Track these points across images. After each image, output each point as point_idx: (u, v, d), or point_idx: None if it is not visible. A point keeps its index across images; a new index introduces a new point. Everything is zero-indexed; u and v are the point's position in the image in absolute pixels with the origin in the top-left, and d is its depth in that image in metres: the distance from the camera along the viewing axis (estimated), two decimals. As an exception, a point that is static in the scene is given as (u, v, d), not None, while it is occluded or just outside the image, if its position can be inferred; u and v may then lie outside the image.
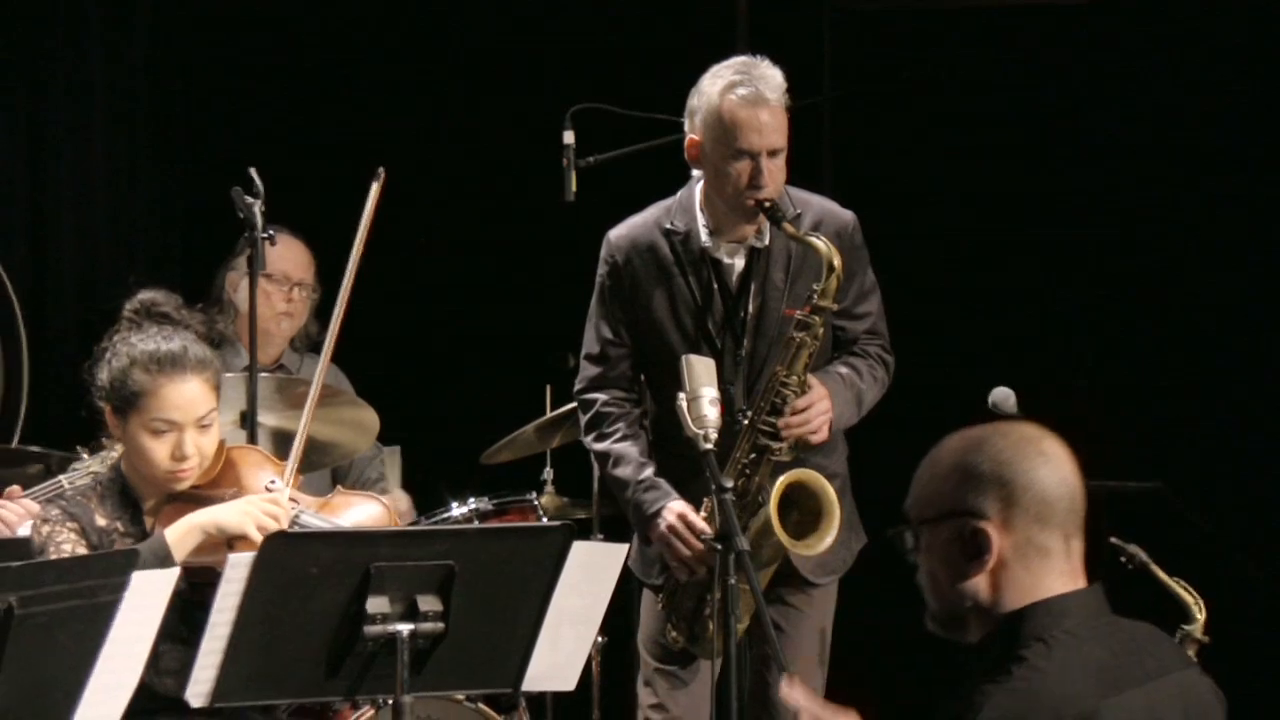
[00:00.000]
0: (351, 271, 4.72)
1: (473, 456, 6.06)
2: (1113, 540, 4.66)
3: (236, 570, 3.94)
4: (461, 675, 4.19)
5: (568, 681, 4.31)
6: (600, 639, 5.57)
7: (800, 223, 4.96)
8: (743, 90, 4.86)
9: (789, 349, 4.88)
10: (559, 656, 4.22)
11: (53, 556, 4.23)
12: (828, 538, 4.86)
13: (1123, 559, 4.62)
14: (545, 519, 5.66)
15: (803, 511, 4.89)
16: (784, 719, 4.95)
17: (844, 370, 5.06)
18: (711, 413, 4.49)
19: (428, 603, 4.02)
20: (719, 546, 4.44)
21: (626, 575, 4.64)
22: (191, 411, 4.34)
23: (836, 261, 4.84)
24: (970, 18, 7.10)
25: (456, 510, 5.63)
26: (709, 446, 4.47)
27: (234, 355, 5.74)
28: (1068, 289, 6.99)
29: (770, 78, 4.90)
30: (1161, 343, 6.88)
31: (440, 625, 4.03)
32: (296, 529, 4.37)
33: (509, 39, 7.22)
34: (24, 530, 4.44)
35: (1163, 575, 4.60)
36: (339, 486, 4.93)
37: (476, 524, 5.54)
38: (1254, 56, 6.81)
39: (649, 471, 4.97)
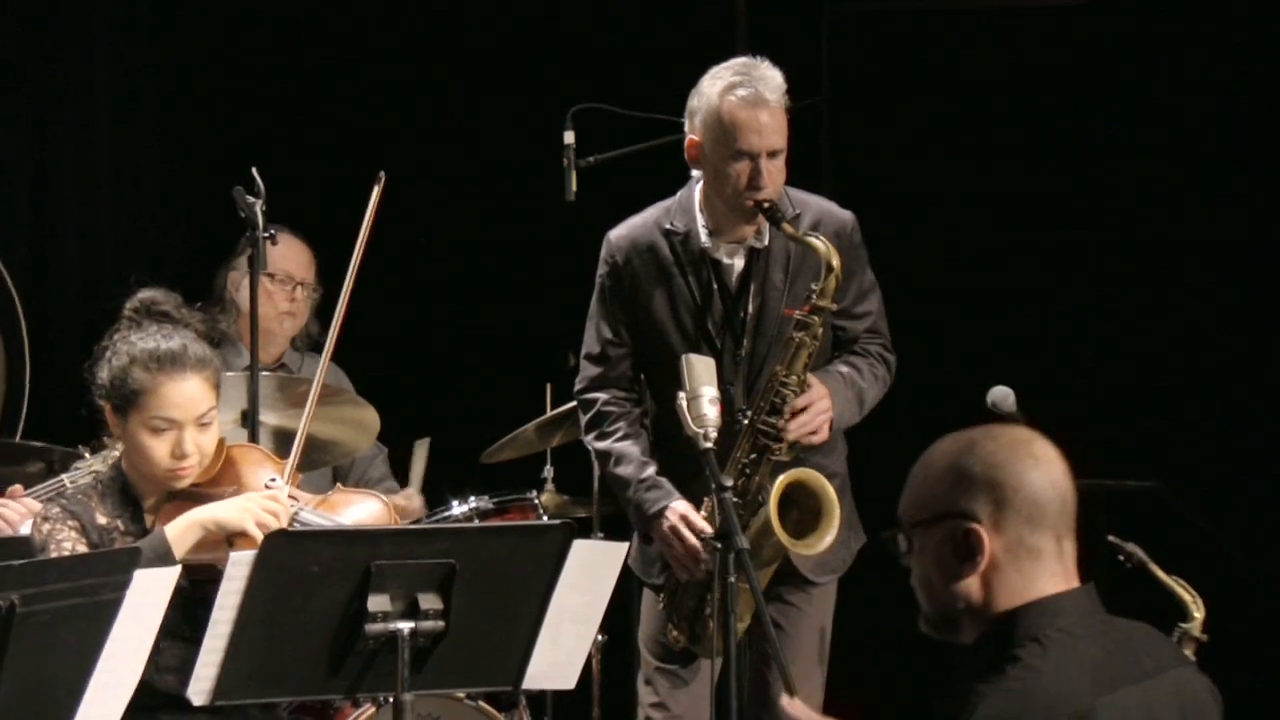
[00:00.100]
0: (353, 274, 4.72)
1: (473, 455, 6.07)
2: (1111, 539, 4.68)
3: (238, 568, 3.94)
4: (462, 673, 4.20)
5: (568, 680, 4.31)
6: (600, 637, 5.58)
7: (799, 223, 4.98)
8: (742, 91, 4.87)
9: (788, 349, 4.90)
10: (559, 655, 4.23)
11: (53, 555, 4.24)
12: (827, 537, 4.87)
13: (1121, 557, 4.63)
14: (546, 517, 5.67)
15: (803, 511, 4.90)
16: (783, 718, 4.97)
17: (844, 370, 5.07)
18: (711, 412, 4.50)
19: (428, 601, 4.02)
20: (719, 545, 4.46)
21: (626, 574, 4.66)
22: (191, 410, 4.34)
23: (835, 261, 4.85)
24: (969, 18, 7.11)
25: (457, 509, 5.64)
26: (709, 445, 4.48)
27: (235, 355, 5.75)
28: (1067, 289, 6.99)
29: (770, 79, 4.91)
30: (1160, 342, 6.88)
31: (441, 623, 4.04)
32: (296, 526, 4.38)
33: (509, 39, 7.22)
34: (25, 529, 4.45)
35: (1161, 573, 4.61)
36: (339, 484, 4.94)
37: (477, 522, 5.56)
38: (1254, 56, 6.82)
39: (650, 471, 4.98)
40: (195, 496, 4.40)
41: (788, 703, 3.24)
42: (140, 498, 4.43)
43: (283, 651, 4.03)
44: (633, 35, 7.07)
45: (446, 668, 4.12)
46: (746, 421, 4.90)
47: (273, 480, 4.48)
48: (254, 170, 4.94)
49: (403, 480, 6.11)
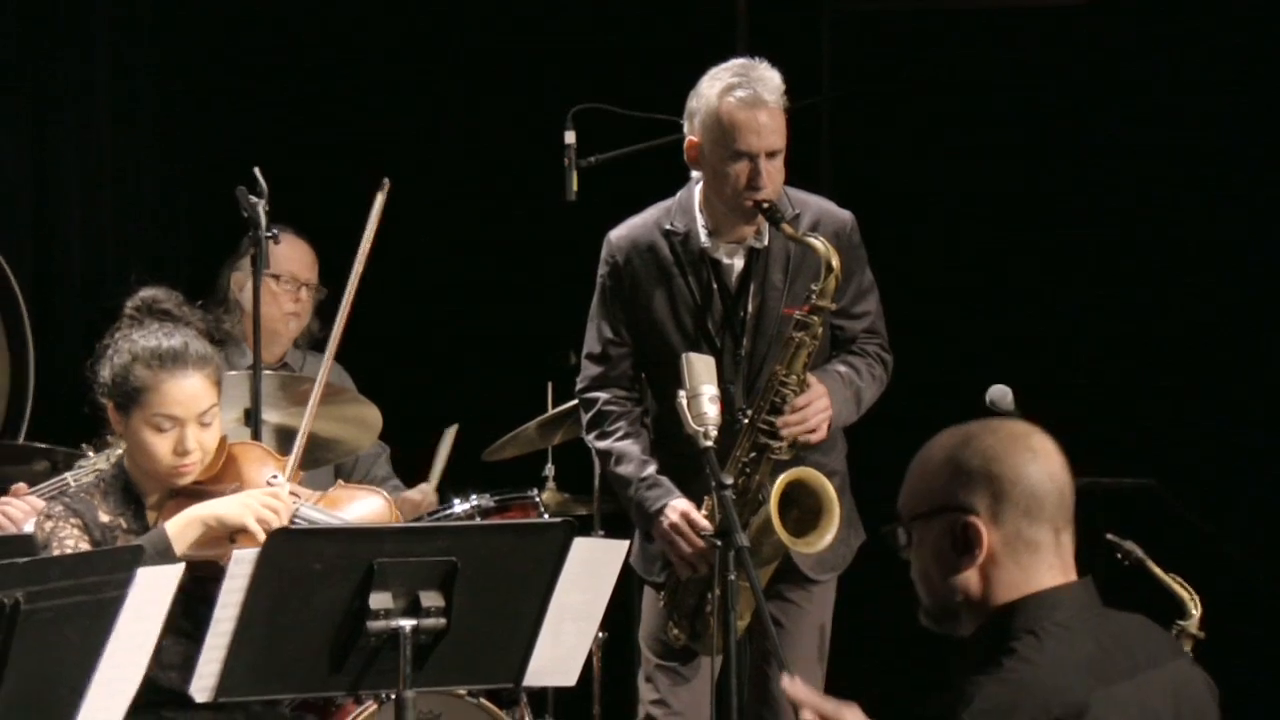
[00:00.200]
0: (355, 279, 4.72)
1: (475, 453, 6.09)
2: (1109, 536, 4.69)
3: (240, 566, 3.95)
4: (464, 670, 4.21)
5: (569, 676, 4.33)
6: (601, 634, 5.60)
7: (799, 223, 4.99)
8: (741, 92, 4.88)
9: (788, 348, 4.91)
10: (560, 652, 4.24)
11: (56, 553, 4.25)
12: (827, 535, 4.89)
13: (1119, 555, 4.64)
14: (547, 515, 5.67)
15: (802, 509, 4.91)
16: (783, 714, 4.99)
17: (843, 369, 5.09)
18: (711, 410, 4.51)
19: (430, 598, 4.04)
20: (719, 543, 4.47)
21: (627, 571, 4.67)
22: (193, 407, 4.35)
23: (834, 261, 4.87)
24: (969, 18, 7.12)
25: (459, 507, 5.66)
26: (709, 444, 4.49)
27: (240, 355, 5.76)
28: (1066, 289, 7.00)
29: (768, 79, 4.92)
30: (1158, 342, 6.89)
31: (442, 621, 4.05)
32: (297, 521, 4.40)
33: (510, 39, 7.23)
34: (29, 527, 4.46)
35: (1158, 571, 4.62)
36: (340, 480, 4.95)
37: (479, 520, 5.58)
38: (1254, 56, 6.83)
39: (651, 469, 5.00)
40: (197, 494, 4.41)
41: (788, 682, 3.24)
42: (142, 495, 4.44)
43: (285, 649, 4.04)
44: (633, 35, 7.08)
45: (448, 665, 4.13)
46: (746, 421, 4.92)
47: (274, 477, 4.49)
48: (256, 170, 4.95)
49: (424, 467, 6.11)
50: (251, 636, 3.99)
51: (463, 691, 5.20)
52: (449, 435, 6.17)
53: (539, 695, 5.73)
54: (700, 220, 5.03)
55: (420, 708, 4.92)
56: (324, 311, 5.97)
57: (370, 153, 7.06)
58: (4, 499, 4.68)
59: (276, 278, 5.88)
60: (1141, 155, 6.89)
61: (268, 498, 4.31)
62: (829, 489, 4.88)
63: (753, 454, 4.90)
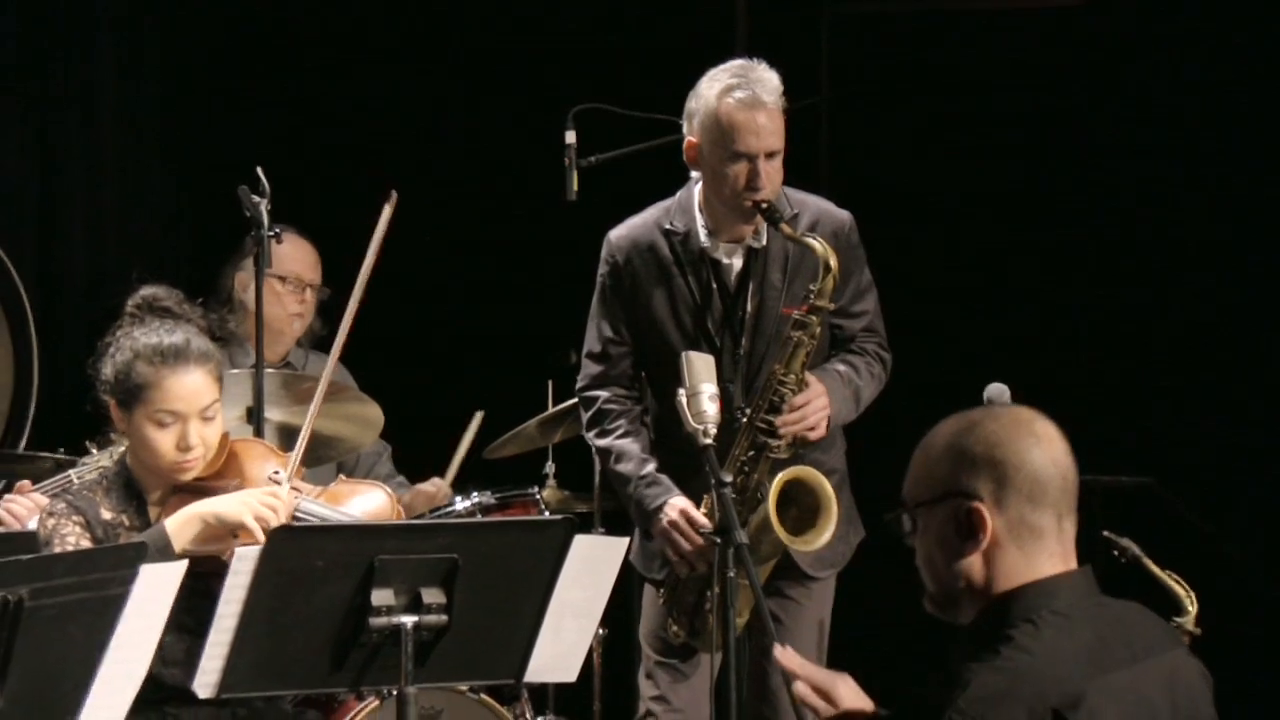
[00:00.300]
0: (360, 289, 4.74)
1: (476, 451, 6.11)
2: (1106, 534, 4.70)
3: (243, 563, 3.97)
4: (465, 667, 4.23)
5: (569, 673, 4.35)
6: (601, 631, 5.61)
7: (798, 223, 5.00)
8: (740, 93, 4.90)
9: (787, 347, 4.93)
10: (561, 648, 4.26)
11: (57, 550, 4.26)
12: (825, 534, 4.90)
13: (1115, 552, 4.65)
14: (547, 513, 5.68)
15: (801, 508, 4.92)
16: (782, 710, 5.01)
17: (842, 368, 5.10)
18: (711, 408, 4.53)
19: (431, 595, 4.06)
20: (718, 541, 4.49)
21: (627, 568, 4.68)
22: (195, 402, 4.37)
23: (833, 261, 4.88)
24: (968, 19, 7.13)
25: (460, 504, 5.67)
26: (708, 442, 4.51)
27: (244, 354, 5.76)
28: (1065, 288, 7.01)
29: (767, 80, 4.94)
30: (1157, 342, 6.90)
31: (444, 617, 4.07)
32: (299, 515, 4.42)
33: (510, 39, 7.24)
34: (33, 524, 4.48)
35: (1155, 569, 4.63)
36: (341, 476, 4.96)
37: (480, 517, 5.59)
38: (1254, 56, 6.84)
39: (651, 467, 5.01)
40: (200, 490, 4.42)
41: (780, 652, 3.26)
42: (145, 492, 4.45)
43: (287, 645, 4.06)
44: (632, 35, 7.09)
45: (449, 661, 4.15)
46: (745, 419, 4.94)
47: (276, 473, 4.51)
48: (259, 170, 4.97)
49: (425, 465, 6.12)
50: (254, 633, 4.00)
51: (464, 688, 5.21)
52: (474, 423, 6.17)
53: (540, 691, 5.74)
54: (700, 220, 5.05)
55: (422, 704, 4.96)
56: (326, 311, 5.99)
57: (371, 153, 7.09)
58: (8, 496, 4.71)
59: (282, 279, 5.89)
60: (1141, 155, 6.90)
61: (267, 496, 4.32)
62: (827, 487, 4.90)
63: (751, 453, 4.92)
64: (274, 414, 5.30)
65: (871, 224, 5.25)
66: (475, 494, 5.70)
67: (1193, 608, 4.61)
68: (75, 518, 4.37)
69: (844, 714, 3.14)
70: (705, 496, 4.88)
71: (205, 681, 4.03)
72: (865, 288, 5.18)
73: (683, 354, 4.64)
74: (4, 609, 3.48)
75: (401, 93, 7.21)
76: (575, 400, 5.33)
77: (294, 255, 5.91)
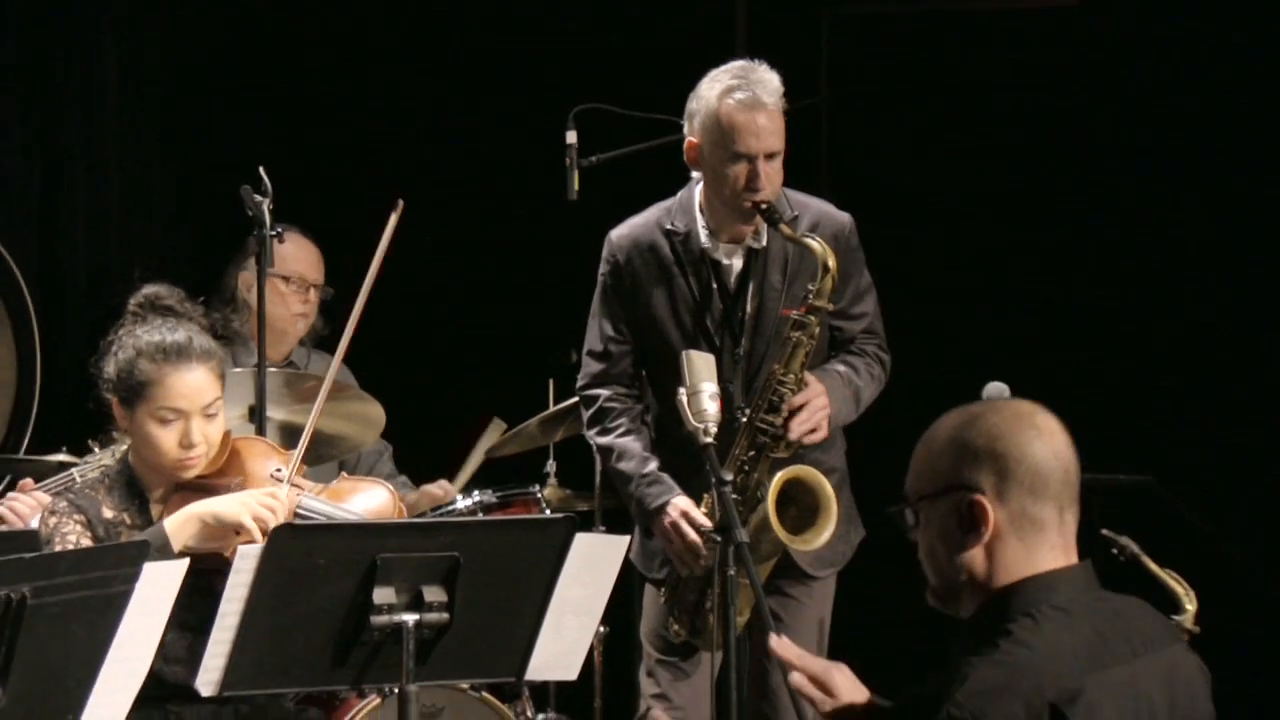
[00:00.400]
0: (365, 295, 4.75)
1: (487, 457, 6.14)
2: (1105, 532, 4.71)
3: (245, 561, 3.98)
4: (466, 665, 4.24)
5: (570, 671, 4.35)
6: (602, 629, 5.62)
7: (798, 225, 5.02)
8: (740, 94, 4.91)
9: (786, 348, 4.94)
10: (562, 646, 4.27)
11: (58, 548, 4.27)
12: (825, 533, 4.92)
13: (1114, 550, 4.66)
14: (548, 511, 5.69)
15: (800, 507, 4.93)
16: (782, 708, 5.02)
17: (842, 369, 5.12)
18: (711, 407, 4.54)
19: (433, 593, 4.07)
20: (719, 540, 4.50)
21: (628, 566, 4.69)
22: (198, 400, 4.39)
23: (831, 262, 4.90)
24: (967, 19, 7.13)
25: (461, 503, 5.68)
26: (709, 440, 4.52)
27: (248, 354, 5.77)
28: (1066, 288, 7.02)
29: (767, 81, 4.95)
30: (1157, 341, 6.91)
31: (445, 615, 4.08)
32: (301, 512, 4.43)
33: (511, 39, 7.25)
34: (35, 522, 4.49)
35: (1154, 566, 4.64)
36: (343, 473, 4.97)
37: (481, 516, 5.60)
38: (1254, 56, 6.84)
39: (652, 466, 5.02)
40: (202, 488, 4.44)
41: (776, 641, 3.27)
42: (146, 491, 4.47)
43: (289, 643, 4.07)
44: (633, 35, 7.10)
45: (451, 659, 4.16)
46: (745, 419, 4.95)
47: (278, 470, 4.53)
48: (261, 170, 4.99)
49: (426, 464, 6.14)
50: (256, 631, 4.01)
51: (465, 686, 5.22)
52: (495, 429, 6.18)
53: (541, 689, 5.76)
54: (700, 220, 5.06)
55: (423, 702, 4.97)
56: (327, 310, 6.00)
57: (372, 153, 7.10)
58: (11, 495, 4.72)
59: (286, 279, 5.90)
60: (1141, 155, 6.90)
61: (266, 497, 4.33)
62: (826, 487, 4.91)
63: (751, 452, 4.93)
64: (276, 413, 5.31)
65: (871, 224, 5.26)
66: (476, 492, 5.71)
67: (1191, 606, 4.61)
68: (77, 516, 4.38)
69: (842, 706, 3.15)
70: (706, 495, 4.89)
71: (207, 679, 4.04)
72: (865, 289, 5.20)
73: (683, 353, 4.65)
74: (7, 607, 3.49)
75: (402, 93, 7.21)
76: (576, 399, 5.34)
77: (297, 255, 5.92)
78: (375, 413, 5.50)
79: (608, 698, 5.91)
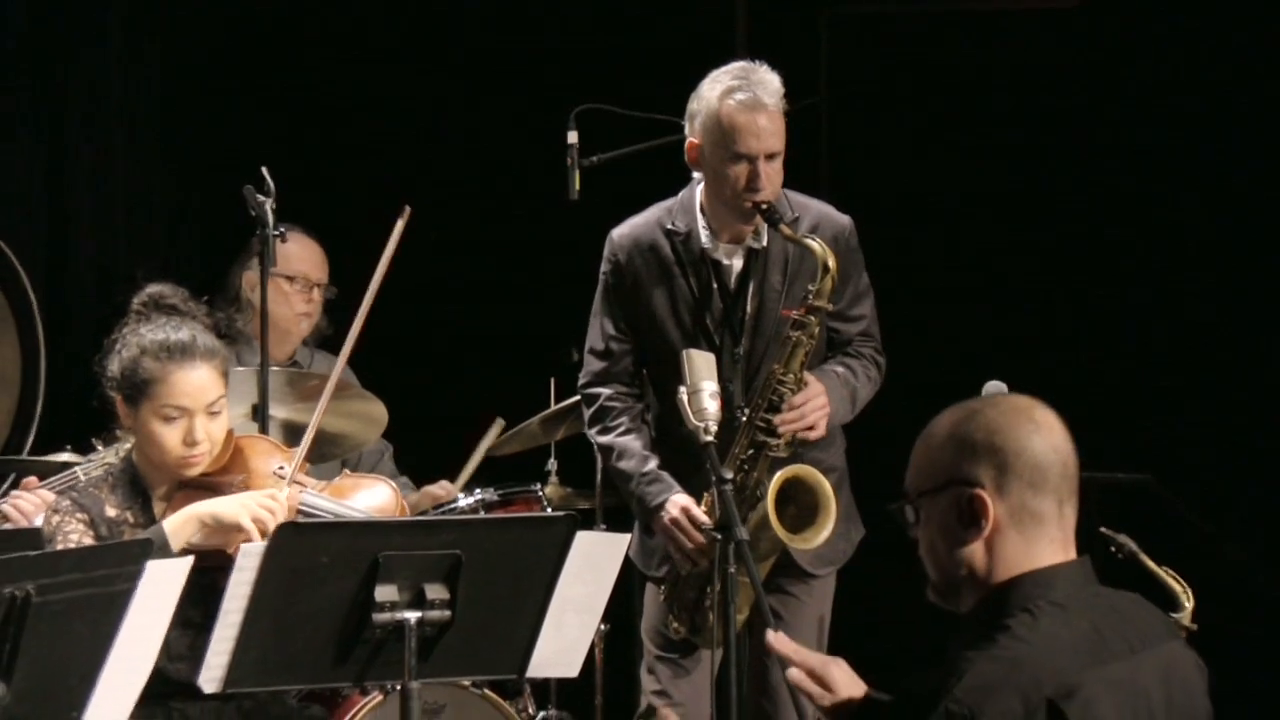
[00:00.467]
0: (370, 299, 4.76)
1: (489, 456, 6.14)
2: (1103, 530, 4.72)
3: (248, 559, 3.99)
4: (468, 662, 4.25)
5: (571, 668, 4.37)
6: (603, 626, 5.62)
7: (798, 226, 5.04)
8: (741, 95, 4.93)
9: (785, 347, 4.96)
10: (563, 643, 4.28)
11: (60, 548, 4.28)
12: (824, 532, 4.93)
13: (1112, 549, 4.67)
14: (550, 509, 5.69)
15: (799, 506, 4.95)
16: (782, 705, 5.04)
17: (840, 369, 5.14)
18: (711, 406, 4.56)
19: (435, 591, 4.07)
20: (719, 537, 4.52)
21: (629, 564, 4.71)
22: (201, 398, 4.41)
23: (831, 262, 4.92)
24: (967, 20, 7.14)
25: (463, 501, 5.69)
26: (709, 439, 4.54)
27: (252, 353, 5.77)
28: (1066, 289, 7.03)
29: (768, 82, 4.97)
30: (1156, 341, 6.92)
31: (447, 613, 4.09)
32: (303, 508, 4.45)
33: (511, 39, 7.26)
34: (39, 520, 4.51)
35: (1152, 565, 4.65)
36: (345, 470, 4.98)
37: (483, 514, 5.60)
38: (1254, 56, 6.85)
39: (652, 465, 5.04)
40: (205, 485, 4.46)
41: (773, 637, 3.28)
42: (150, 489, 4.49)
43: (292, 641, 4.08)
44: (633, 35, 7.11)
45: (452, 656, 4.17)
46: (745, 418, 4.97)
47: (281, 468, 4.54)
48: (264, 169, 5.00)
49: (427, 464, 6.15)
50: (259, 628, 4.02)
51: (467, 683, 5.23)
52: (493, 430, 6.20)
53: (542, 686, 5.76)
54: (701, 220, 5.08)
55: (425, 699, 4.96)
56: (330, 310, 6.01)
57: (373, 153, 7.12)
58: (15, 492, 4.73)
59: (290, 279, 5.91)
60: (1141, 155, 6.91)
61: (265, 499, 4.35)
62: (825, 486, 4.93)
63: (751, 451, 4.95)
64: (279, 411, 5.32)
65: (871, 224, 5.28)
66: (478, 491, 5.72)
67: (1189, 604, 4.62)
68: (79, 515, 4.40)
69: (840, 701, 3.16)
70: (706, 494, 4.91)
71: (210, 676, 4.05)
72: (863, 292, 5.22)
73: (683, 352, 4.67)
74: (11, 604, 3.50)
75: (404, 93, 7.22)
76: (577, 398, 5.36)
77: (301, 255, 5.93)
78: (377, 411, 5.51)
79: (609, 695, 5.92)
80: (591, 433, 5.18)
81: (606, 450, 5.13)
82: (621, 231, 5.17)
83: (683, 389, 4.58)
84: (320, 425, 4.77)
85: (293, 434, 5.19)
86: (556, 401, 6.03)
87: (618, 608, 4.80)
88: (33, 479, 4.76)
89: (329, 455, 5.52)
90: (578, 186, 5.79)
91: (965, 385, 5.13)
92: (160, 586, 3.79)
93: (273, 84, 7.20)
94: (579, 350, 5.29)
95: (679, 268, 5.08)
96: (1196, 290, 6.93)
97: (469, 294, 7.16)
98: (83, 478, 4.64)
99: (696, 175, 5.09)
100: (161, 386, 4.39)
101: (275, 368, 5.37)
